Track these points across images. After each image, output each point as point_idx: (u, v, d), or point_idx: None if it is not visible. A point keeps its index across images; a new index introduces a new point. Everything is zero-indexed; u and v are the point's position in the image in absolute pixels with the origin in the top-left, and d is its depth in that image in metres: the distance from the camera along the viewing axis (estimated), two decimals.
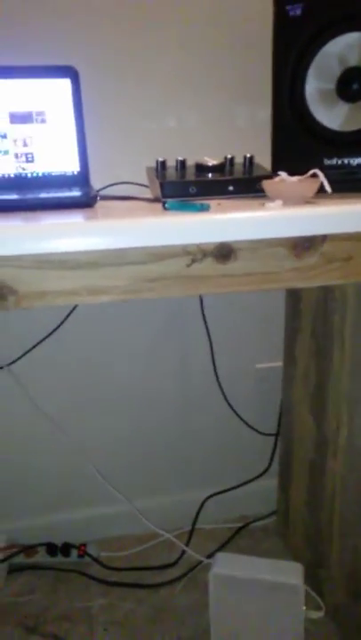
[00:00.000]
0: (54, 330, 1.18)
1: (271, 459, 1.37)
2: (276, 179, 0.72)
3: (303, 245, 0.65)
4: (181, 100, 1.11)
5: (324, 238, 0.66)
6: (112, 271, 0.61)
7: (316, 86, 0.81)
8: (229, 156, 0.85)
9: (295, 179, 0.71)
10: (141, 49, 1.07)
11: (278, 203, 0.66)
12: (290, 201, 0.68)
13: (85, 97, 0.87)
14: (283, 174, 0.72)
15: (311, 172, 0.71)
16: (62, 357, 1.23)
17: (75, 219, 0.61)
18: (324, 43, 0.79)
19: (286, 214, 0.63)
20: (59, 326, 1.18)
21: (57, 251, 0.58)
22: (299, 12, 0.79)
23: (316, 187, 0.70)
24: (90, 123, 0.89)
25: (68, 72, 0.85)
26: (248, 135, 1.15)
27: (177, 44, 1.08)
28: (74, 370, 1.24)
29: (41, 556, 1.27)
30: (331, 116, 0.81)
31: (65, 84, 0.85)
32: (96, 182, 0.92)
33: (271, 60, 0.82)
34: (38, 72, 0.85)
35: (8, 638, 1.09)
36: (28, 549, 1.28)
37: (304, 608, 0.99)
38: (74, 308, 1.17)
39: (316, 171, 0.71)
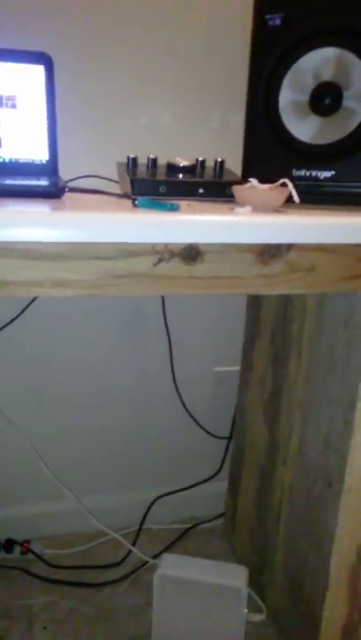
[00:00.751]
0: (10, 321, 1.15)
1: (222, 462, 1.38)
2: (247, 185, 0.73)
3: (270, 252, 0.66)
4: (156, 98, 1.11)
5: (289, 247, 0.67)
6: (78, 264, 0.60)
7: (291, 97, 0.82)
8: (200, 159, 0.85)
9: (265, 186, 0.71)
10: (120, 42, 1.06)
11: (248, 209, 0.67)
12: (259, 208, 0.69)
13: (59, 86, 0.85)
14: (253, 181, 0.72)
15: (281, 181, 0.72)
16: (16, 350, 1.20)
17: (41, 208, 0.60)
18: (300, 55, 0.80)
19: (255, 221, 0.63)
20: (16, 318, 1.15)
21: (21, 240, 0.57)
22: (278, 21, 0.79)
23: (285, 196, 0.71)
24: (61, 112, 0.87)
25: (42, 58, 0.83)
26: (219, 139, 1.16)
27: (158, 42, 1.07)
28: (27, 363, 1.22)
29: None
30: (302, 128, 0.82)
31: (38, 71, 0.83)
32: (64, 173, 0.90)
33: (248, 67, 0.83)
34: (11, 56, 0.82)
35: None
36: None
37: (246, 611, 1.01)
38: (33, 300, 1.15)
39: (286, 180, 0.72)
